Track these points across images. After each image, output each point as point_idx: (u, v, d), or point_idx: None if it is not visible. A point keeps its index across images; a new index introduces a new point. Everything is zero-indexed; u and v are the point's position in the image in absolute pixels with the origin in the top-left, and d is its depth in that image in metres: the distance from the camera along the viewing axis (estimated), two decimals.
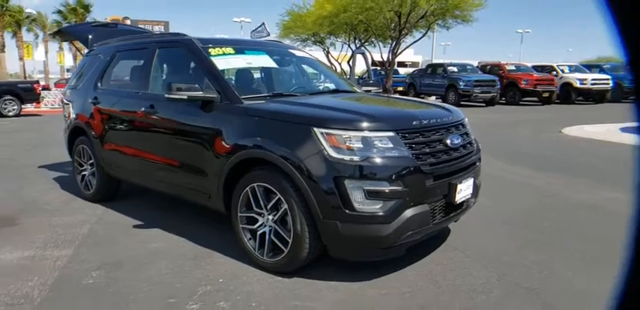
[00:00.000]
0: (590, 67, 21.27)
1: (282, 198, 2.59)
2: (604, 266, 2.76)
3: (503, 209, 4.16)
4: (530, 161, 6.53)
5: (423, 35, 19.96)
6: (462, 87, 17.42)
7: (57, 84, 24.86)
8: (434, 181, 2.57)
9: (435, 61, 24.70)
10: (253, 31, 19.79)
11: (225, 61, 3.22)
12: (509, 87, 18.84)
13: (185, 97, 2.96)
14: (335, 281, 2.65)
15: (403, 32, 18.69)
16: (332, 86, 3.74)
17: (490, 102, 17.90)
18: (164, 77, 3.62)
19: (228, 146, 2.85)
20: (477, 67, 20.42)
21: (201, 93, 2.96)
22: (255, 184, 2.74)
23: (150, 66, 3.59)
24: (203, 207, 3.48)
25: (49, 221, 3.82)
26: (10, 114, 13.90)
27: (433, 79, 19.04)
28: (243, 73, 3.42)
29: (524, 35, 57.06)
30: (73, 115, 4.48)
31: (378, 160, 2.42)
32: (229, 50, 3.35)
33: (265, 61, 3.53)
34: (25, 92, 14.07)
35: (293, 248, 2.59)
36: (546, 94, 18.48)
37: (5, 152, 7.34)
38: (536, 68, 20.48)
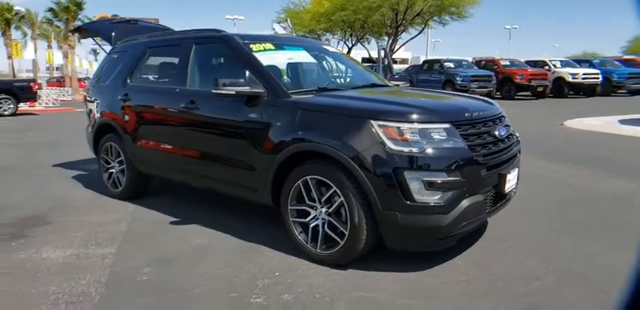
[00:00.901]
0: (579, 61, 21.58)
1: (338, 191, 2.61)
2: None
3: (532, 200, 4.22)
4: (542, 153, 6.63)
5: (420, 31, 20.11)
6: (459, 82, 17.57)
7: (49, 83, 24.47)
8: (487, 171, 2.62)
9: (426, 58, 24.81)
10: (279, 23, 19.57)
11: (268, 57, 3.22)
12: (504, 82, 19.03)
13: (233, 92, 2.96)
14: (391, 272, 2.68)
15: (400, 29, 18.78)
16: (368, 80, 3.76)
17: (486, 97, 18.06)
18: (204, 73, 3.60)
19: (278, 140, 2.85)
20: (472, 62, 20.60)
21: (247, 88, 2.96)
22: (308, 177, 2.75)
23: (187, 62, 3.56)
24: (236, 201, 3.51)
25: (83, 219, 3.79)
26: (6, 113, 13.66)
27: (430, 75, 19.16)
28: (289, 68, 3.42)
29: (512, 31, 57.53)
30: (98, 113, 4.44)
31: (435, 151, 2.45)
32: (270, 46, 3.36)
33: (304, 56, 3.54)
34: (22, 91, 13.83)
35: (350, 240, 2.61)
36: (540, 89, 18.71)
37: (16, 152, 7.22)
38: (529, 63, 20.71)
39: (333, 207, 2.67)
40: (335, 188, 2.62)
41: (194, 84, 3.55)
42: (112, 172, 4.37)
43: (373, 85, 3.59)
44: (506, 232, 3.35)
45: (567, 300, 2.37)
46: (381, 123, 2.49)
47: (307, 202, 2.80)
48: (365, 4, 16.97)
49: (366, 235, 2.59)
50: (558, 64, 20.14)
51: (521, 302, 2.35)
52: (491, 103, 3.10)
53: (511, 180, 2.84)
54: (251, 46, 3.29)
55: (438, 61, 19.94)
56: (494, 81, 18.27)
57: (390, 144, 2.45)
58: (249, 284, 2.57)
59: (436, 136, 2.49)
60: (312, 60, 3.59)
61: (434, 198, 2.44)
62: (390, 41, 19.35)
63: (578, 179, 5.06)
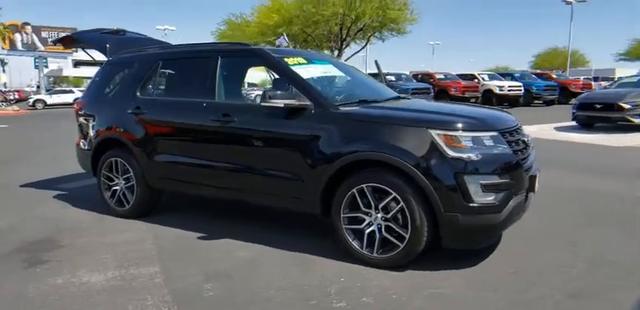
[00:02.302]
0: (503, 75, 23.70)
1: (398, 197, 2.78)
2: None
3: None
4: None
5: (363, 47, 20.99)
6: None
7: None
8: (525, 173, 2.94)
9: (366, 72, 25.86)
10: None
11: (304, 70, 3.33)
12: (440, 94, 20.35)
13: (281, 105, 3.04)
14: (444, 270, 2.88)
15: (344, 44, 19.49)
16: (391, 92, 3.98)
17: None
18: (236, 86, 3.60)
19: (331, 151, 2.97)
20: (410, 76, 21.84)
21: (294, 101, 3.05)
22: (364, 185, 2.89)
23: (214, 75, 3.55)
24: (250, 212, 3.52)
25: (98, 240, 3.59)
26: None
27: None
28: (325, 81, 3.54)
29: (435, 47, 61.62)
30: (97, 128, 4.23)
31: (488, 156, 2.72)
32: (302, 60, 3.47)
33: (333, 69, 3.69)
34: None
35: (410, 243, 2.78)
36: (473, 100, 20.27)
37: None
38: (461, 76, 22.38)
39: (393, 212, 2.83)
40: (394, 194, 2.79)
41: (225, 97, 3.55)
42: (116, 190, 4.17)
43: (398, 97, 3.82)
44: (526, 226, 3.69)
45: (606, 282, 2.72)
46: (439, 132, 2.72)
47: (362, 209, 2.94)
48: (316, 18, 17.46)
49: (426, 237, 2.77)
50: (486, 78, 21.99)
51: (570, 286, 2.65)
52: (511, 114, 3.45)
53: (539, 181, 3.19)
54: (285, 59, 3.39)
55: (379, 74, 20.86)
56: (432, 94, 19.50)
57: (449, 151, 2.68)
58: (322, 291, 2.64)
59: (487, 143, 2.76)
60: (341, 73, 3.76)
61: (489, 199, 2.70)
62: (336, 55, 20.02)
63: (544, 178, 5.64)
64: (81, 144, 4.54)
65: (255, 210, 4.35)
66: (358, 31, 18.93)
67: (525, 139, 3.14)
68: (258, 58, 3.46)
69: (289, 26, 17.81)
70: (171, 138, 3.78)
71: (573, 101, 12.70)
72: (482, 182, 2.68)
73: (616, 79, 25.80)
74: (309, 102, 3.09)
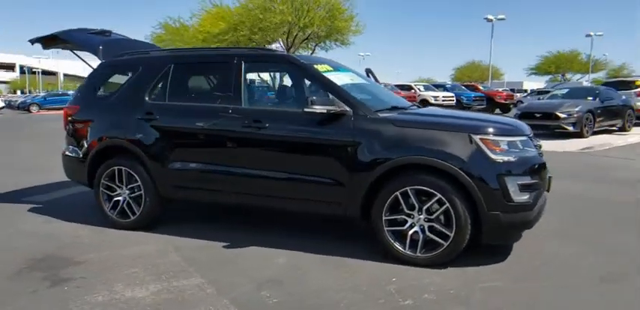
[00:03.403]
0: (436, 86, 25.27)
1: (443, 198, 2.95)
2: None
3: None
4: None
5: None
6: None
7: None
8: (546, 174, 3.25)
9: None
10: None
11: (336, 77, 3.41)
12: None
13: (324, 111, 3.10)
14: (480, 266, 3.08)
15: (288, 53, 19.60)
16: (406, 101, 4.16)
17: None
18: (266, 92, 3.57)
19: (374, 155, 3.07)
20: None
21: (335, 107, 3.13)
22: (407, 188, 3.02)
23: (239, 80, 3.50)
24: (269, 218, 3.53)
25: (114, 253, 3.36)
26: None
27: None
28: (354, 88, 3.60)
29: (366, 58, 63.89)
30: (97, 134, 3.96)
31: (523, 159, 3.00)
32: (329, 67, 3.55)
33: (357, 77, 3.80)
34: None
35: (454, 241, 2.96)
36: None
37: None
38: (399, 87, 23.49)
39: (437, 212, 2.99)
40: (439, 195, 2.96)
41: (254, 103, 3.51)
42: (119, 200, 3.92)
43: (417, 106, 4.01)
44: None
45: (625, 268, 3.09)
46: (481, 136, 2.94)
47: (406, 211, 3.07)
48: (263, 25, 17.41)
49: (469, 235, 2.97)
50: (422, 88, 23.29)
51: (597, 273, 2.98)
52: None
53: None
54: (315, 66, 3.45)
55: None
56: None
57: (490, 155, 2.91)
58: (383, 291, 2.72)
59: (521, 146, 3.03)
60: (364, 81, 3.87)
61: (524, 198, 2.96)
62: None
63: None
64: (71, 152, 4.20)
65: (263, 216, 4.32)
66: (304, 40, 19.23)
67: (539, 144, 3.47)
68: (289, 64, 3.48)
69: (234, 33, 17.61)
70: (190, 145, 3.65)
71: (514, 110, 13.83)
72: (519, 182, 2.94)
73: (531, 91, 28.40)
74: (348, 109, 3.18)
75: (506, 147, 2.97)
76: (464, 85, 26.92)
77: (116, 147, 3.90)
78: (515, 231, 3.07)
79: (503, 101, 24.32)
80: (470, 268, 3.05)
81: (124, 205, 3.90)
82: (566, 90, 12.27)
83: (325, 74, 3.43)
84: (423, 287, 2.77)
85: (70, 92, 33.59)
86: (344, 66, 3.87)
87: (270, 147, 3.38)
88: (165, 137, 3.69)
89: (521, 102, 24.79)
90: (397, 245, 3.10)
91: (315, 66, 3.47)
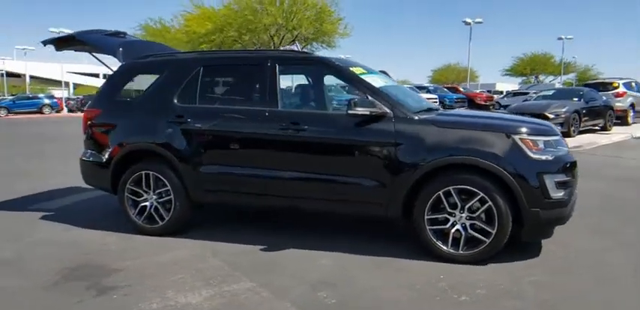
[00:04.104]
0: (419, 88, 25.69)
1: (485, 196, 3.03)
2: None
3: None
4: None
5: None
6: None
7: None
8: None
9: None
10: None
11: (372, 80, 3.46)
12: None
13: (367, 113, 3.15)
14: (519, 261, 3.17)
15: None
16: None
17: None
18: (304, 95, 3.58)
19: (416, 156, 3.14)
20: None
21: (377, 108, 3.18)
22: (450, 187, 3.09)
23: (274, 83, 3.50)
24: (300, 220, 3.55)
25: (154, 260, 3.31)
26: None
27: None
28: (392, 91, 3.64)
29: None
30: (122, 138, 3.89)
31: (558, 157, 3.12)
32: (362, 70, 3.59)
33: (389, 80, 3.86)
34: None
35: (496, 238, 3.05)
36: None
37: None
38: None
39: (480, 211, 3.07)
40: (482, 194, 3.04)
41: (291, 105, 3.52)
42: (146, 206, 3.86)
43: (450, 107, 4.10)
44: None
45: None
46: (520, 137, 3.04)
47: (448, 210, 3.14)
48: (253, 26, 17.30)
49: (509, 232, 3.06)
50: None
51: (630, 261, 3.12)
52: None
53: None
54: (352, 69, 3.49)
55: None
56: None
57: (530, 154, 3.02)
58: (435, 288, 2.77)
59: (556, 146, 3.15)
60: (394, 83, 3.93)
61: (560, 195, 3.07)
62: None
63: None
64: (91, 157, 4.11)
65: (291, 218, 4.33)
66: (291, 42, 19.24)
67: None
68: (326, 67, 3.51)
69: (221, 34, 17.46)
70: (224, 149, 3.62)
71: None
72: (555, 180, 3.05)
73: (507, 92, 29.10)
74: (388, 110, 3.23)
75: (542, 146, 3.08)
76: (445, 87, 27.42)
77: (143, 151, 3.84)
78: (551, 227, 3.18)
79: (483, 102, 24.93)
80: (509, 264, 3.14)
81: (152, 210, 3.84)
82: (552, 92, 12.70)
83: (363, 76, 3.47)
84: (473, 283, 2.84)
85: (41, 95, 32.21)
86: (373, 69, 3.93)
87: (309, 150, 3.40)
88: (198, 140, 3.65)
89: (499, 103, 25.47)
90: (439, 244, 3.16)
91: (352, 68, 3.52)
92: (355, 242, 3.59)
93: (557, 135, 3.25)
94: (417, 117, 3.24)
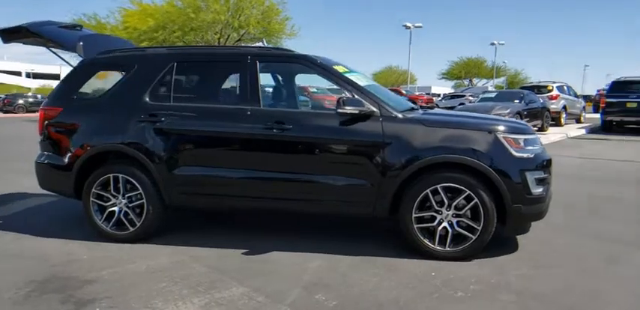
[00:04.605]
0: None
1: (472, 193, 3.11)
2: None
3: None
4: None
5: None
6: None
7: None
8: None
9: None
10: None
11: (355, 78, 3.44)
12: None
13: (356, 112, 3.12)
14: (501, 256, 3.28)
15: None
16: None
17: None
18: (288, 93, 3.46)
19: (404, 155, 3.16)
20: None
21: (365, 107, 3.16)
22: (438, 186, 3.15)
23: (255, 81, 3.37)
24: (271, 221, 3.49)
25: (130, 269, 3.07)
26: None
27: None
28: (375, 90, 3.61)
29: None
30: (87, 139, 3.58)
31: (537, 155, 3.27)
32: (345, 68, 3.56)
33: (369, 79, 3.84)
34: None
35: (482, 234, 3.14)
36: None
37: None
38: (331, 90, 23.97)
39: (466, 208, 3.15)
40: (468, 191, 3.12)
41: (274, 104, 3.41)
42: (114, 211, 3.58)
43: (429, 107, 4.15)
44: None
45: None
46: (505, 135, 3.16)
47: (435, 208, 3.19)
48: (195, 25, 16.68)
49: (494, 228, 3.16)
50: None
51: (605, 251, 3.34)
52: None
53: None
54: (335, 67, 3.45)
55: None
56: None
57: (513, 152, 3.14)
58: (431, 286, 2.81)
59: (534, 144, 3.30)
60: (373, 83, 3.91)
61: (540, 191, 3.22)
62: None
63: None
64: (50, 159, 3.75)
65: (264, 220, 4.21)
66: (236, 41, 18.82)
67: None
68: (310, 64, 3.43)
69: (163, 31, 16.70)
70: (203, 149, 3.45)
71: None
72: (535, 176, 3.19)
73: (444, 95, 30.39)
74: (375, 109, 3.23)
75: (523, 145, 3.22)
76: (390, 89, 28.20)
77: (111, 152, 3.57)
78: (529, 221, 3.33)
79: (424, 104, 25.89)
80: (492, 259, 3.25)
81: (121, 216, 3.57)
82: (494, 94, 13.44)
83: (347, 75, 3.44)
84: (465, 279, 2.91)
85: None
86: (353, 68, 3.91)
87: (294, 150, 3.31)
88: (174, 141, 3.44)
89: (438, 105, 26.63)
90: (426, 241, 3.21)
91: (335, 67, 3.48)
92: (339, 242, 3.56)
93: (534, 133, 3.41)
94: (404, 116, 3.26)
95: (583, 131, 13.50)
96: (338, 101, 3.11)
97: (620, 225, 4.20)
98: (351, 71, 3.62)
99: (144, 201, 3.52)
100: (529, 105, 11.94)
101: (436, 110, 3.91)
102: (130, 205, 3.56)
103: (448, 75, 52.18)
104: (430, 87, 59.15)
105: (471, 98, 26.41)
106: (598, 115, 15.09)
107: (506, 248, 3.45)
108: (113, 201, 3.59)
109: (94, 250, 3.45)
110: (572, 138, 12.25)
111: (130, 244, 3.55)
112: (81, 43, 3.82)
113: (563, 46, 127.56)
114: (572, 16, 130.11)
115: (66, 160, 3.66)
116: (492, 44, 43.61)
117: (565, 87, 15.02)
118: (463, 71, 48.19)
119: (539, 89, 14.25)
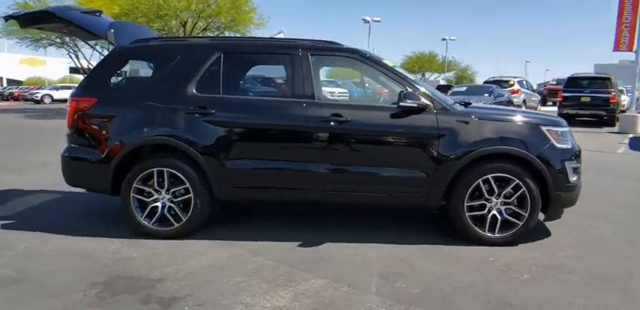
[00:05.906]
0: (328, 82, 26.35)
1: (520, 182, 3.32)
2: None
3: None
4: None
5: None
6: None
7: None
8: None
9: None
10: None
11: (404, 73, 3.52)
12: None
13: (415, 105, 3.22)
14: (537, 241, 3.52)
15: None
16: None
17: None
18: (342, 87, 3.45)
19: (458, 146, 3.30)
20: None
21: (421, 101, 3.27)
22: (489, 176, 3.32)
23: (309, 73, 3.37)
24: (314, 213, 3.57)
25: (193, 266, 3.01)
26: None
27: None
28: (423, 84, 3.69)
29: None
30: (127, 132, 3.42)
31: (573, 146, 3.53)
32: (392, 63, 3.63)
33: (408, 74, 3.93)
34: None
35: (528, 220, 3.36)
36: None
37: None
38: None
39: (514, 196, 3.34)
40: (517, 180, 3.31)
41: (328, 97, 3.41)
42: (157, 207, 3.46)
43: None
44: None
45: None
46: (547, 128, 3.39)
47: (485, 196, 3.36)
48: (163, 12, 15.88)
49: (537, 214, 3.39)
50: None
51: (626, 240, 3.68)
52: None
53: None
54: (385, 62, 3.52)
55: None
56: None
57: (555, 143, 3.37)
58: (496, 270, 2.99)
59: (568, 136, 3.56)
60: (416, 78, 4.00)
61: (575, 179, 3.49)
62: None
63: None
64: (81, 153, 3.55)
65: (301, 212, 4.23)
66: (202, 30, 18.19)
67: None
68: (361, 58, 3.47)
69: (127, 19, 15.79)
70: (257, 142, 3.40)
71: None
72: (572, 166, 3.45)
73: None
74: (429, 103, 3.34)
75: (561, 137, 3.47)
76: (353, 82, 28.48)
77: (155, 146, 3.43)
78: (565, 207, 3.59)
79: (388, 96, 26.43)
80: (535, 243, 3.48)
81: (166, 212, 3.46)
82: (465, 88, 14.03)
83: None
84: (523, 261, 3.11)
85: None
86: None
87: (351, 142, 3.36)
88: (226, 133, 3.37)
89: None
90: (477, 229, 3.38)
91: (386, 62, 3.55)
92: (383, 233, 3.65)
93: (567, 126, 3.67)
94: (455, 110, 3.40)
95: None
96: (400, 94, 3.18)
97: (607, 207, 4.61)
98: (394, 66, 3.71)
99: (191, 195, 3.42)
100: (497, 98, 12.59)
101: (475, 104, 4.08)
102: (175, 200, 3.46)
103: (403, 68, 53.18)
104: None
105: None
106: (548, 108, 16.17)
107: (539, 233, 3.70)
108: (156, 196, 3.46)
109: (139, 248, 3.32)
110: None
111: (173, 240, 3.45)
112: (112, 31, 3.61)
113: (506, 42, 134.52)
114: (516, 16, 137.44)
115: (102, 154, 3.47)
116: (444, 39, 45.12)
117: (524, 82, 15.97)
118: (416, 65, 49.51)
119: (502, 83, 15.03)
